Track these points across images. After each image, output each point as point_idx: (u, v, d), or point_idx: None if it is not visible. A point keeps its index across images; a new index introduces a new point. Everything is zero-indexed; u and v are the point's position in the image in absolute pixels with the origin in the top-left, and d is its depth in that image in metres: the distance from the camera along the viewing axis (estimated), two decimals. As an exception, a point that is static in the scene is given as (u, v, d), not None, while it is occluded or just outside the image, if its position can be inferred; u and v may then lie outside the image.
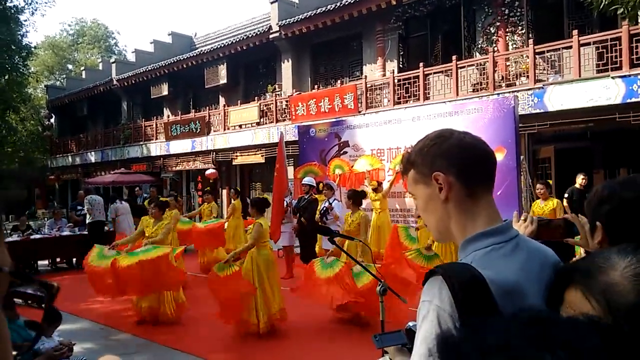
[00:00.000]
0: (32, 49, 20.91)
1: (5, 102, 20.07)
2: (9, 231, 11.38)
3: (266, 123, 15.89)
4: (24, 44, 18.65)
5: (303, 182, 9.43)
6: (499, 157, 8.75)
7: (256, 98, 17.30)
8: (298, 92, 15.55)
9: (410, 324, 1.40)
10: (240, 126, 16.73)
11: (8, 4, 17.33)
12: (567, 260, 1.83)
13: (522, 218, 1.57)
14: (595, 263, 0.73)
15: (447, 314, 0.93)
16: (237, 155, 16.94)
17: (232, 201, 11.08)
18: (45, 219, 15.93)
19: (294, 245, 9.29)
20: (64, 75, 33.67)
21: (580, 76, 9.70)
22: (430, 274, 1.00)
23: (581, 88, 9.53)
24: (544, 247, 1.13)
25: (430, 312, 0.96)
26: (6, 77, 18.51)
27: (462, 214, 1.09)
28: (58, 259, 11.26)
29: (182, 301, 6.42)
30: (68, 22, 46.29)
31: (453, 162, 1.08)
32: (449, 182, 1.08)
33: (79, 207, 12.07)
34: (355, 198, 6.33)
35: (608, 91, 9.21)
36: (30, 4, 18.05)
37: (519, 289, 0.98)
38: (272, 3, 16.58)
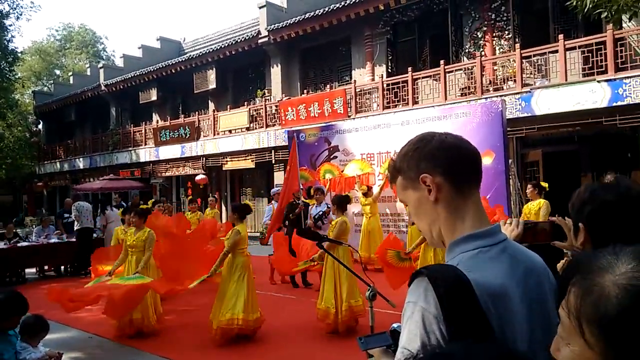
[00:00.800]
0: (19, 54, 20.75)
1: (-9, 108, 19.88)
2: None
3: (256, 128, 15.87)
4: (9, 49, 18.49)
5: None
6: (488, 161, 8.81)
7: (246, 103, 17.29)
8: (287, 97, 15.56)
9: (395, 325, 1.40)
10: (230, 131, 16.69)
11: (-7, 9, 17.20)
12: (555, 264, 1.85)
13: (508, 222, 1.57)
14: (599, 261, 0.71)
15: (432, 316, 0.93)
16: (227, 161, 16.90)
17: (210, 209, 11.17)
18: (34, 226, 15.74)
19: None
20: (52, 81, 33.39)
21: (566, 80, 9.81)
22: (416, 275, 1.00)
23: (568, 92, 9.64)
24: (531, 253, 1.14)
25: (415, 313, 0.96)
26: (-8, 83, 18.34)
27: (452, 214, 1.09)
28: (46, 267, 11.12)
29: (160, 312, 6.37)
30: (55, 27, 46.12)
31: (438, 163, 1.09)
32: (437, 182, 1.08)
33: (66, 215, 11.94)
34: (340, 203, 6.31)
35: (594, 95, 9.32)
36: (15, 8, 17.93)
37: (503, 292, 0.98)
38: (260, 8, 16.60)
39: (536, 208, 7.30)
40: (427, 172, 1.09)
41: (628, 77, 9.02)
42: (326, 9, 14.53)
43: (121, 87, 21.78)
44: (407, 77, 12.20)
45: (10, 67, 19.03)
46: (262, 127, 15.55)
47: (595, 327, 0.67)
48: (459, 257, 1.05)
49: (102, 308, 7.14)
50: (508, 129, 9.49)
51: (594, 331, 0.67)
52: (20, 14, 18.24)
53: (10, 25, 18.55)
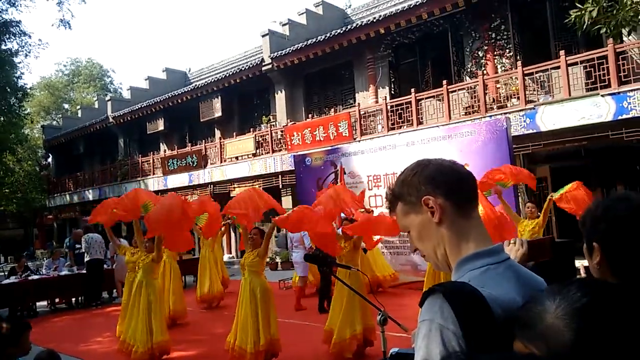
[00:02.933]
0: (28, 90, 21.20)
1: (1, 143, 20.17)
2: (6, 273, 11.27)
3: (262, 154, 15.97)
4: (19, 85, 18.90)
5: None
6: (495, 178, 8.77)
7: (251, 129, 17.44)
8: (292, 122, 15.68)
9: (395, 350, 1.39)
10: (236, 158, 16.80)
11: (2, 47, 17.60)
12: (567, 274, 1.83)
13: (512, 241, 1.57)
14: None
15: (451, 332, 0.93)
16: (234, 187, 16.96)
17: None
18: (44, 259, 15.80)
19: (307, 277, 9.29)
20: (60, 115, 33.94)
21: (570, 95, 9.83)
22: (429, 292, 0.99)
23: (572, 107, 9.65)
24: (532, 273, 1.15)
25: (433, 331, 0.95)
26: (2, 119, 18.65)
27: (456, 234, 1.11)
28: (57, 300, 11.13)
29: (165, 340, 6.14)
30: (63, 63, 46.88)
31: (439, 184, 1.11)
32: (440, 203, 1.10)
33: (77, 246, 11.99)
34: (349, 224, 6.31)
35: (599, 109, 9.32)
36: (24, 46, 18.35)
37: (515, 307, 0.98)
38: (263, 36, 16.88)
39: (530, 227, 7.03)
40: (428, 194, 1.11)
41: (632, 90, 9.02)
42: (328, 35, 14.76)
43: (128, 118, 22.08)
44: (411, 98, 12.29)
45: (20, 103, 19.42)
46: (269, 152, 15.65)
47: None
48: (468, 275, 1.06)
49: (113, 339, 7.14)
50: (514, 146, 9.49)
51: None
52: (29, 52, 18.66)
53: (20, 63, 19.02)
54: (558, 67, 10.14)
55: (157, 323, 6.05)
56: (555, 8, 11.58)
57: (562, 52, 10.07)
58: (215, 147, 17.63)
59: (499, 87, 11.62)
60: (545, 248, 1.49)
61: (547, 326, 0.72)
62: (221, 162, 17.23)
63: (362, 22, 14.83)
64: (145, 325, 5.93)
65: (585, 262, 1.48)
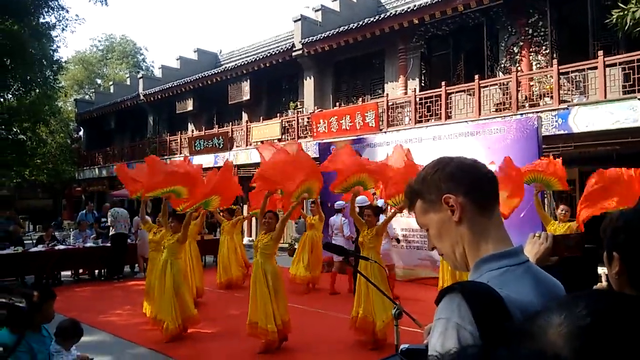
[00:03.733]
0: (63, 64, 21.55)
1: (36, 115, 20.67)
2: (34, 242, 11.63)
3: (288, 139, 15.99)
4: (55, 59, 19.20)
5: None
6: (522, 178, 8.62)
7: (278, 114, 17.48)
8: (320, 109, 15.66)
9: (405, 346, 1.38)
10: (262, 142, 16.87)
11: (40, 21, 17.95)
12: (588, 284, 1.79)
13: (537, 235, 1.53)
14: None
15: (468, 332, 0.92)
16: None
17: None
18: (71, 229, 16.24)
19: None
20: (93, 90, 34.58)
21: (605, 97, 9.55)
22: (447, 290, 0.99)
23: (607, 109, 9.37)
24: (551, 277, 1.14)
25: (450, 330, 0.94)
26: (37, 91, 19.08)
27: (476, 234, 1.10)
28: (81, 270, 11.46)
29: (193, 315, 6.35)
30: (98, 38, 47.77)
31: (460, 183, 1.11)
32: (460, 202, 1.09)
33: (103, 219, 12.28)
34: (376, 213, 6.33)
35: (635, 113, 9.03)
36: (61, 21, 18.60)
37: (533, 309, 0.96)
38: (295, 22, 16.82)
39: (561, 230, 6.91)
40: (449, 192, 1.10)
41: (672, 95, 8.71)
42: (360, 23, 14.61)
43: (159, 97, 22.38)
44: (441, 91, 12.11)
45: (55, 76, 19.76)
46: (294, 138, 15.67)
47: None
48: (487, 275, 1.05)
49: (133, 312, 7.33)
50: (543, 146, 9.28)
51: None
52: (66, 26, 18.90)
53: (56, 37, 19.28)
54: (595, 68, 9.83)
55: (184, 301, 6.21)
56: (597, 7, 11.20)
57: (600, 52, 9.76)
58: (242, 130, 17.74)
59: (532, 85, 11.35)
60: (573, 244, 1.44)
61: (549, 342, 0.71)
62: (247, 145, 17.35)
63: (396, 11, 14.63)
64: (174, 302, 6.08)
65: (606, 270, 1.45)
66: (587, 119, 9.63)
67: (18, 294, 3.27)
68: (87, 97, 34.71)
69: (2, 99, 19.73)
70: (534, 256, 1.47)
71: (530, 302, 0.98)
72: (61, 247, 10.87)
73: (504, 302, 0.94)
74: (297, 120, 15.68)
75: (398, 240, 9.68)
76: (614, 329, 0.68)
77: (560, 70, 10.24)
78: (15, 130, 21.51)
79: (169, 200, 6.64)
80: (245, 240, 17.50)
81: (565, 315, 0.71)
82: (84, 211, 13.59)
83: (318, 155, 12.99)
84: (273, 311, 5.45)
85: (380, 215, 6.90)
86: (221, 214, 10.55)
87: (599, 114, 9.45)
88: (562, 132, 9.96)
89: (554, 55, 11.63)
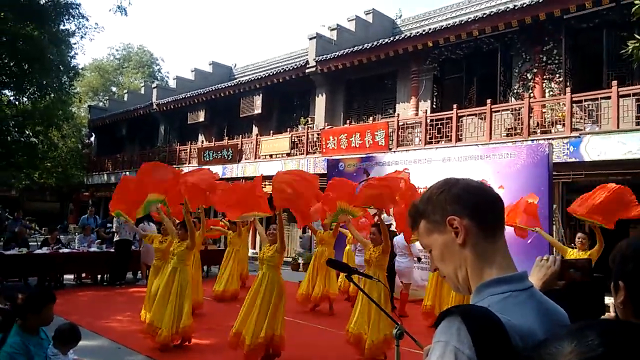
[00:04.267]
0: (79, 71, 21.91)
1: (49, 119, 20.91)
2: (39, 244, 11.66)
3: (296, 154, 16.04)
4: (72, 65, 19.53)
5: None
6: (531, 204, 8.55)
7: (288, 129, 17.56)
8: (330, 126, 15.71)
9: None
10: (270, 156, 16.94)
11: (60, 28, 18.29)
12: (594, 314, 1.74)
13: (545, 258, 1.51)
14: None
15: (466, 357, 0.90)
16: (266, 184, 17.07)
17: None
18: (76, 233, 16.30)
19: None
20: (107, 97, 35.02)
21: (618, 127, 9.50)
22: (446, 314, 0.97)
23: (619, 139, 9.32)
24: (555, 305, 1.12)
25: (447, 354, 0.92)
26: (52, 95, 19.35)
27: (480, 257, 1.08)
28: (83, 275, 11.45)
29: (189, 324, 6.21)
30: (115, 47, 48.48)
31: (465, 205, 1.09)
32: (465, 225, 1.07)
33: (109, 225, 12.31)
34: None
35: (647, 144, 8.97)
36: (81, 28, 18.97)
37: (534, 336, 0.96)
38: (310, 39, 17.00)
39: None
40: (454, 214, 1.08)
41: (685, 128, 8.64)
42: (375, 43, 14.73)
43: (172, 107, 22.59)
44: (452, 113, 12.12)
45: (71, 82, 20.06)
46: (303, 153, 15.71)
47: None
48: (488, 300, 1.03)
49: (132, 319, 7.28)
50: (554, 173, 9.22)
51: None
52: (85, 34, 19.29)
53: (75, 44, 19.64)
54: (609, 98, 9.81)
55: (186, 308, 6.14)
56: (612, 37, 11.23)
57: (614, 82, 9.74)
58: (252, 143, 17.82)
59: (544, 112, 11.33)
60: (581, 269, 1.41)
61: None
62: (255, 158, 17.40)
63: (410, 33, 14.74)
64: (175, 309, 6.02)
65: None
66: (599, 148, 9.58)
67: (2, 297, 3.25)
68: (101, 104, 35.12)
69: (17, 102, 20.01)
70: (541, 279, 1.44)
71: (531, 329, 0.97)
72: (65, 250, 10.89)
73: (504, 328, 0.92)
74: (307, 135, 15.74)
75: (419, 259, 9.57)
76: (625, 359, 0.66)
77: (574, 99, 10.22)
78: (28, 133, 21.77)
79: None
80: (250, 252, 17.45)
81: (576, 344, 0.70)
82: (86, 216, 13.64)
83: (326, 172, 13.00)
84: (263, 323, 5.35)
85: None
86: (221, 223, 10.54)
87: (611, 144, 9.40)
88: (573, 159, 9.90)
89: (567, 83, 11.63)
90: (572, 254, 7.02)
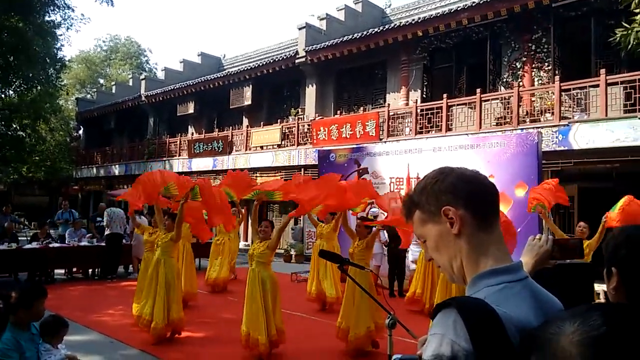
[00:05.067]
0: (66, 63, 21.59)
1: (36, 112, 20.67)
2: (28, 239, 11.57)
3: (287, 145, 16.01)
4: (58, 57, 19.26)
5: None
6: (521, 193, 8.63)
7: (279, 120, 17.51)
8: (320, 117, 15.68)
9: (397, 356, 1.37)
10: (261, 147, 16.89)
11: (46, 19, 18.01)
12: (584, 298, 1.76)
13: (537, 237, 1.50)
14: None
15: (462, 349, 0.90)
16: (257, 176, 17.05)
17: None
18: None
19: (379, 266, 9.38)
20: (95, 89, 34.63)
21: (606, 115, 9.58)
22: (442, 306, 0.97)
23: (607, 127, 9.40)
24: (549, 294, 1.12)
25: (444, 346, 0.91)
26: (39, 88, 19.11)
27: (475, 248, 1.07)
28: (74, 269, 11.38)
29: (180, 317, 6.21)
30: (102, 38, 47.89)
31: (460, 195, 1.07)
32: (460, 215, 1.06)
33: (99, 219, 12.24)
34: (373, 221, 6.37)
35: (635, 132, 9.06)
36: (67, 19, 18.71)
37: (529, 327, 0.95)
38: (300, 29, 16.89)
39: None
40: (449, 204, 1.07)
41: (672, 116, 8.74)
42: (365, 33, 14.67)
43: (160, 98, 22.40)
44: (442, 103, 12.14)
45: (58, 74, 19.79)
46: (294, 145, 15.68)
47: None
48: (484, 291, 1.02)
49: (124, 313, 7.27)
50: (543, 161, 9.29)
51: None
52: (71, 25, 19.01)
53: (61, 35, 19.35)
54: (597, 86, 9.87)
55: (174, 301, 6.14)
56: (601, 25, 11.28)
57: (602, 71, 9.80)
58: (242, 134, 17.75)
59: (533, 101, 11.39)
60: (572, 248, 1.43)
61: (560, 349, 0.70)
62: (246, 149, 17.35)
63: (400, 23, 14.70)
64: (164, 302, 6.02)
65: (605, 287, 1.44)
66: (587, 136, 9.66)
67: None
68: (88, 96, 34.71)
69: (3, 95, 19.74)
70: (533, 259, 1.45)
71: (528, 321, 0.96)
72: (56, 245, 10.81)
73: (500, 320, 0.91)
74: (298, 126, 15.70)
75: (388, 245, 9.65)
76: (629, 339, 0.67)
77: (562, 87, 10.28)
78: (15, 126, 21.51)
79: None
80: (242, 244, 17.45)
81: (578, 324, 0.71)
82: (61, 211, 13.51)
83: (317, 162, 13.00)
84: (267, 321, 5.38)
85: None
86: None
87: (600, 132, 9.48)
88: (562, 148, 9.98)
89: (556, 72, 11.68)
90: None
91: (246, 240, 18.18)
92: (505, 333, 0.90)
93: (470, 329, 0.90)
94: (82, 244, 11.16)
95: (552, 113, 10.53)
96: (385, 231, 8.88)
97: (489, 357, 0.89)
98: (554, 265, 1.48)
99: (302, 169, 15.19)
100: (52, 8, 17.92)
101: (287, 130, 16.24)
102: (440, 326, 0.94)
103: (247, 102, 18.77)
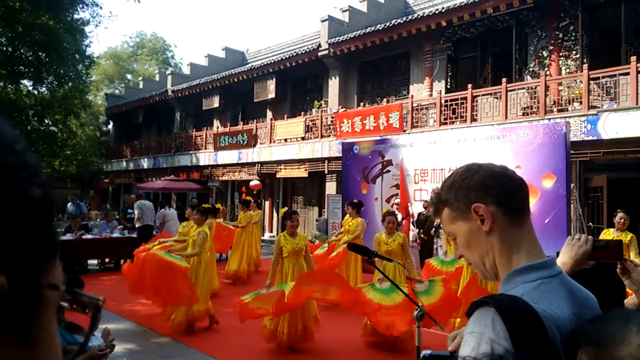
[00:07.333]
0: (95, 59, 22.10)
1: (67, 107, 21.22)
2: (63, 230, 11.97)
3: (311, 138, 16.08)
4: (87, 54, 19.73)
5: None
6: (549, 184, 8.51)
7: (302, 113, 17.59)
8: (344, 109, 15.69)
9: (427, 352, 1.37)
10: (285, 140, 17.01)
11: (75, 17, 18.45)
12: (617, 298, 1.78)
13: (577, 237, 1.47)
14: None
15: (502, 348, 0.88)
16: (281, 169, 17.21)
17: (251, 211, 11.00)
18: (98, 220, 16.67)
19: None
20: (123, 85, 35.32)
21: (637, 104, 9.35)
22: (479, 304, 0.96)
23: (638, 116, 9.18)
24: (584, 289, 1.10)
25: (483, 345, 0.90)
26: (69, 84, 19.62)
27: (507, 245, 1.06)
28: (107, 260, 11.75)
29: (206, 309, 6.47)
30: (129, 35, 48.70)
31: (490, 192, 1.06)
32: (491, 211, 1.05)
33: (130, 211, 12.58)
34: (358, 207, 6.47)
35: (667, 121, 8.83)
36: (95, 17, 19.15)
37: (568, 324, 0.95)
38: (322, 22, 16.88)
39: (625, 240, 6.25)
40: (479, 201, 1.06)
41: None
42: (387, 24, 14.58)
43: (186, 93, 22.73)
44: (467, 93, 12.02)
45: (87, 70, 20.30)
46: (317, 137, 15.74)
47: None
48: (521, 288, 1.01)
49: (155, 304, 7.49)
50: (571, 151, 9.13)
51: None
52: (99, 22, 19.55)
53: (90, 32, 19.88)
54: (627, 74, 9.64)
55: (201, 293, 6.32)
56: (631, 12, 10.98)
57: (633, 58, 9.55)
58: (266, 127, 17.91)
59: (561, 90, 11.17)
60: (611, 250, 1.41)
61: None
62: (270, 142, 17.50)
63: (423, 13, 14.55)
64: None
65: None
66: (617, 125, 9.45)
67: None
68: (117, 91, 35.43)
69: (36, 92, 20.34)
70: (572, 258, 1.42)
71: (566, 318, 0.96)
72: (89, 236, 11.17)
73: (539, 318, 0.90)
74: (321, 119, 15.75)
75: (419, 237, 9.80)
76: None
77: (591, 76, 10.06)
78: (47, 122, 22.13)
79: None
80: (267, 235, 17.67)
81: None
82: (70, 203, 13.85)
83: (341, 155, 13.04)
84: (298, 314, 5.49)
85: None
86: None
87: (630, 121, 9.26)
88: (590, 138, 9.80)
89: (585, 60, 11.42)
90: (609, 233, 6.79)
91: (271, 232, 18.40)
92: (545, 331, 0.90)
93: (510, 328, 0.89)
94: (114, 235, 11.49)
95: (580, 102, 10.33)
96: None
97: (530, 355, 0.87)
98: (592, 266, 1.45)
99: (326, 161, 15.27)
100: (80, 6, 18.35)
101: (310, 123, 16.31)
102: (477, 325, 0.94)
103: (271, 95, 18.90)
